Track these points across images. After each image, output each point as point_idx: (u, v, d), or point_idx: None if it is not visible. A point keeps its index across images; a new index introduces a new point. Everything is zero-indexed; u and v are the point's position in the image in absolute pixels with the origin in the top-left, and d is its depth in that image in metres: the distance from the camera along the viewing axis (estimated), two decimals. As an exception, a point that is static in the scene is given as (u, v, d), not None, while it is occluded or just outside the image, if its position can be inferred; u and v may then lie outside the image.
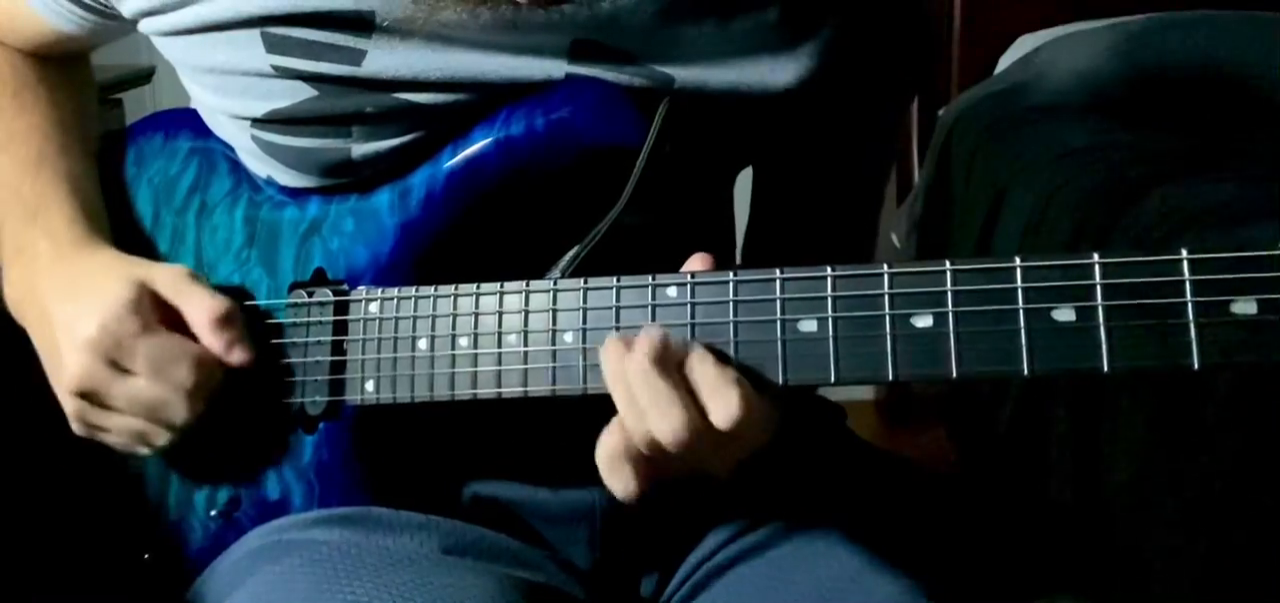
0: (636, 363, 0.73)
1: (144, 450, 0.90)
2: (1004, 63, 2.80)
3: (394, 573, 0.81)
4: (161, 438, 0.88)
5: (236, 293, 0.91)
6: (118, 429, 0.88)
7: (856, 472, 1.00)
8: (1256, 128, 2.38)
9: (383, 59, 0.84)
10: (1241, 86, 2.50)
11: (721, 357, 0.74)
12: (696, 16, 0.85)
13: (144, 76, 2.24)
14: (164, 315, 0.87)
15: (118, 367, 0.86)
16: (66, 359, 0.87)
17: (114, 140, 1.02)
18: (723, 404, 0.72)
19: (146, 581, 0.95)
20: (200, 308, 0.87)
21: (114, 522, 0.96)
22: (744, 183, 1.04)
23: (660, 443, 0.73)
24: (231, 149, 0.95)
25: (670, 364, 0.73)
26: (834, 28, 0.89)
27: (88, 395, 0.87)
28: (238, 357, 0.87)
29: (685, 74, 0.85)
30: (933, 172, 2.66)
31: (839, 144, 0.97)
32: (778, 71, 0.87)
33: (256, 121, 0.89)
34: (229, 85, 0.89)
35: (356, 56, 0.85)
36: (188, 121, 0.99)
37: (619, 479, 0.76)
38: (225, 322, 0.87)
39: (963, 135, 2.59)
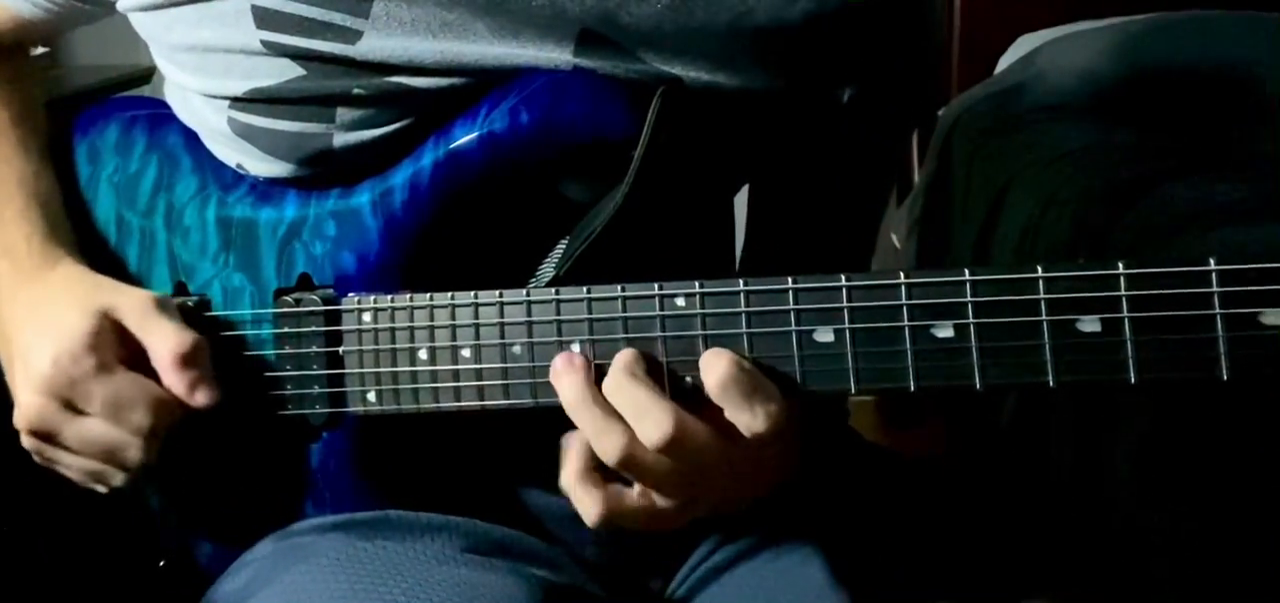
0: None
1: (99, 488, 0.87)
2: (1004, 63, 2.81)
3: (424, 572, 0.81)
4: (117, 479, 0.85)
5: (201, 308, 0.89)
6: (71, 467, 0.86)
7: (856, 471, 0.99)
8: (1256, 128, 2.38)
9: (378, 41, 0.83)
10: (1241, 86, 2.50)
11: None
12: (710, 15, 0.83)
13: (144, 77, 2.22)
14: (125, 349, 0.84)
15: (72, 407, 0.83)
16: (19, 395, 0.84)
17: (60, 135, 0.98)
18: (653, 425, 0.72)
19: (162, 588, 0.94)
20: (164, 344, 0.83)
21: (128, 531, 0.95)
22: (741, 202, 1.03)
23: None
24: (191, 142, 0.93)
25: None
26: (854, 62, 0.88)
27: (40, 434, 0.84)
28: (200, 399, 0.83)
29: (695, 74, 0.84)
30: (933, 172, 2.66)
31: (839, 163, 0.96)
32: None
33: (236, 101, 0.87)
34: (211, 63, 0.87)
35: (351, 36, 0.83)
36: (137, 111, 0.96)
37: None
38: (189, 360, 0.83)
39: (963, 135, 2.59)
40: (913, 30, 0.92)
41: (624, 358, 0.75)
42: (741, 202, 1.03)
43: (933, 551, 0.90)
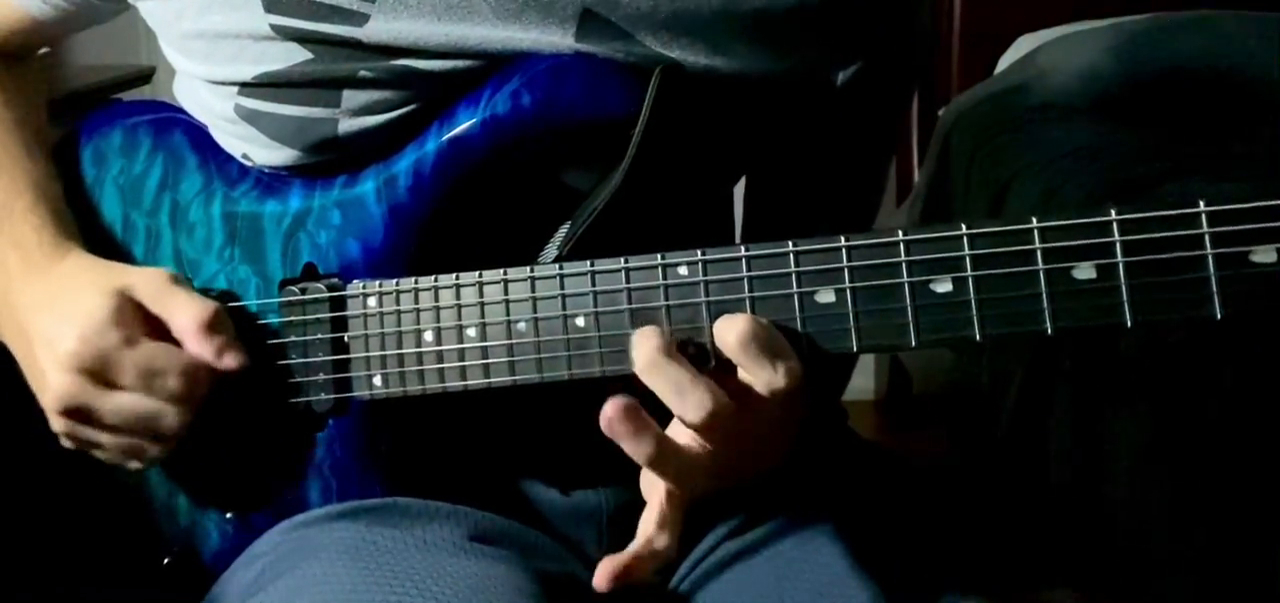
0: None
1: (135, 464, 0.88)
2: (1004, 63, 2.80)
3: (432, 563, 0.81)
4: (153, 451, 0.86)
5: (222, 296, 0.89)
6: (108, 445, 0.86)
7: (856, 470, 1.00)
8: (1257, 128, 2.38)
9: (385, 24, 0.84)
10: (1241, 86, 2.50)
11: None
12: None
13: (144, 77, 2.22)
14: (147, 324, 0.85)
15: (104, 382, 0.84)
16: (49, 377, 0.85)
17: (65, 139, 0.99)
18: (696, 404, 0.73)
19: (167, 584, 0.94)
20: (186, 314, 0.85)
21: (133, 527, 0.95)
22: (739, 194, 1.03)
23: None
24: (196, 142, 0.93)
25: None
26: (845, 30, 0.89)
27: (74, 413, 0.85)
28: (229, 362, 0.85)
29: (693, 57, 0.85)
30: (933, 172, 2.65)
31: (836, 148, 0.96)
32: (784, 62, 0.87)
33: (244, 86, 0.88)
34: (219, 50, 0.88)
35: (359, 19, 0.84)
36: (142, 114, 0.97)
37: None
38: (212, 327, 0.84)
39: (963, 135, 2.59)
40: (904, 7, 0.93)
41: (651, 340, 0.75)
42: (739, 197, 1.04)
43: (933, 549, 0.90)
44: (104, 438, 0.86)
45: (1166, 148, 2.26)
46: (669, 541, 0.78)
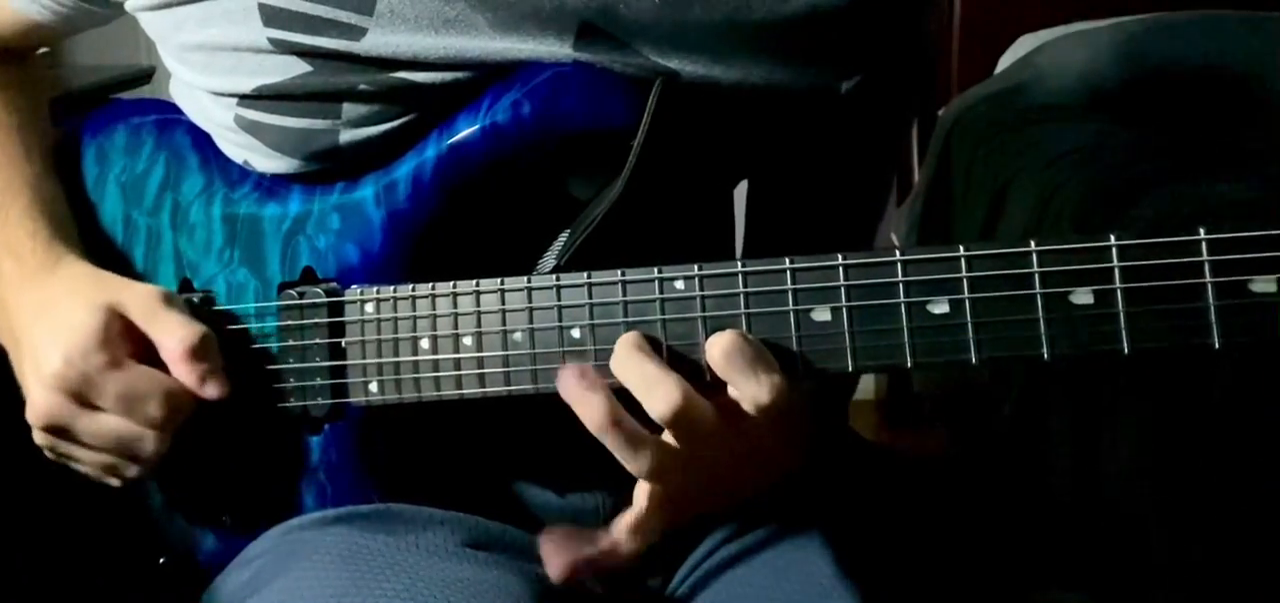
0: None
1: (113, 482, 0.87)
2: (1004, 63, 2.80)
3: (426, 568, 0.81)
4: (132, 471, 0.86)
5: (204, 301, 0.89)
6: (86, 462, 0.86)
7: (855, 472, 0.99)
8: (1256, 128, 2.38)
9: (382, 38, 0.84)
10: (1241, 86, 2.51)
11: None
12: (707, 9, 0.84)
13: (144, 77, 2.22)
14: (134, 344, 0.84)
15: (85, 402, 0.83)
16: (32, 392, 0.84)
17: (68, 137, 0.98)
18: (662, 396, 0.73)
19: (162, 585, 0.94)
20: (173, 338, 0.84)
21: (128, 528, 0.95)
22: (740, 198, 1.03)
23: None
24: (199, 142, 0.93)
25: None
26: (849, 47, 0.88)
27: (53, 430, 0.84)
28: (211, 391, 0.84)
29: (692, 68, 0.85)
30: (933, 172, 2.65)
31: (838, 157, 0.96)
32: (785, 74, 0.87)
33: (243, 98, 0.87)
34: (218, 62, 0.88)
35: (356, 33, 0.84)
36: (145, 113, 0.96)
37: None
38: (198, 353, 0.83)
39: (963, 135, 2.59)
40: (911, 20, 0.93)
41: (629, 337, 0.75)
42: (741, 199, 1.03)
43: (934, 548, 0.90)
44: (82, 455, 0.86)
45: (1166, 148, 2.26)
46: (634, 547, 0.78)
